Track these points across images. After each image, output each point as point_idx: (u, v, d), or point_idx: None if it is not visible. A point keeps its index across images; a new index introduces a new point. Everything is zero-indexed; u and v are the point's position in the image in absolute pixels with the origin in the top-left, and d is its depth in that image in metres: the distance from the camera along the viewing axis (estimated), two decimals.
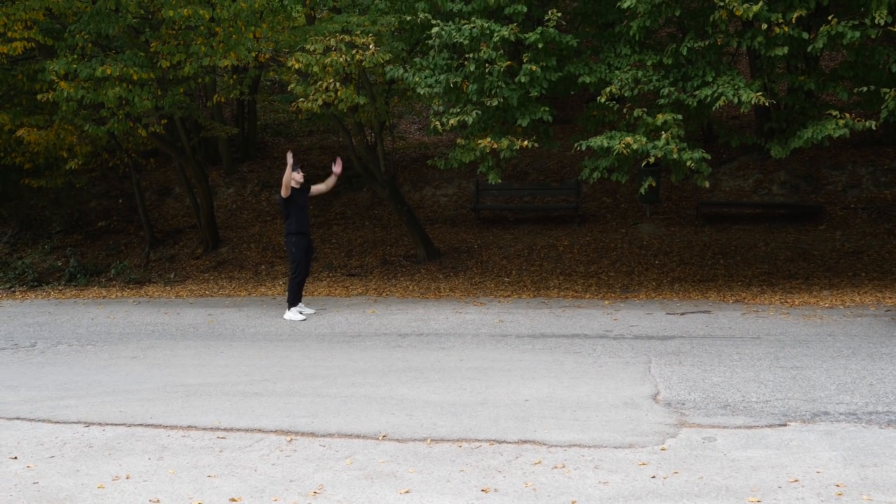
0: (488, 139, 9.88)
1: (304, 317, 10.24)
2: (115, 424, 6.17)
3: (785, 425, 5.67)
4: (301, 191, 10.28)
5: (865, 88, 9.54)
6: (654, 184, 10.07)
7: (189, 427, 6.04)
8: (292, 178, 10.20)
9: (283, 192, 10.13)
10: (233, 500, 4.69)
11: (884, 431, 5.48)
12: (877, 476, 4.72)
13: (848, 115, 9.48)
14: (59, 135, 13.80)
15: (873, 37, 9.10)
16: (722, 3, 9.09)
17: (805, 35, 9.24)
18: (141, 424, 6.16)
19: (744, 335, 8.43)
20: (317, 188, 10.66)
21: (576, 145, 9.96)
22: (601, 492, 4.62)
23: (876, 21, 8.81)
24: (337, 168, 10.65)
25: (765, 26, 9.20)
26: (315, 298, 11.88)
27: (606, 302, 10.65)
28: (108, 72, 11.05)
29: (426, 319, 9.88)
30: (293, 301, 10.33)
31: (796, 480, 4.69)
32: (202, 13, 10.87)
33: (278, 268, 14.12)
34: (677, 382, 6.77)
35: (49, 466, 5.33)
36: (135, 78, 11.30)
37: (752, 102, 9.17)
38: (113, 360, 8.40)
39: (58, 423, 6.27)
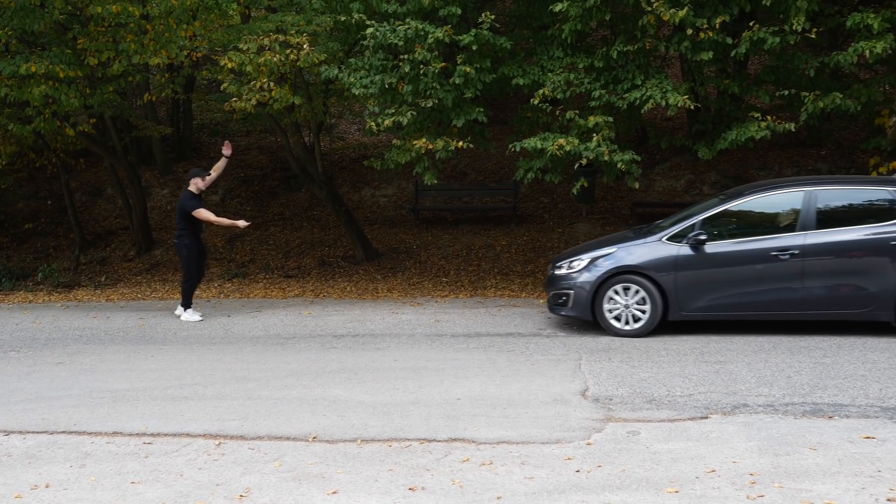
0: (424, 140, 9.92)
1: (202, 317, 10.29)
2: (37, 432, 6.02)
3: (706, 418, 5.85)
4: (199, 196, 10.25)
5: (787, 92, 9.87)
6: (585, 184, 10.25)
7: (114, 433, 5.94)
8: (195, 183, 10.20)
9: (200, 216, 10.08)
10: None
11: (798, 421, 5.69)
12: (788, 464, 4.91)
13: (770, 117, 9.80)
14: None
15: (792, 42, 9.41)
16: (650, 8, 9.31)
17: (729, 40, 9.51)
18: (64, 432, 6.02)
19: (671, 332, 8.63)
20: (210, 178, 10.55)
21: (510, 146, 10.08)
22: (526, 487, 4.70)
23: (794, 27, 9.13)
24: (227, 150, 10.62)
25: (690, 31, 9.45)
26: (251, 300, 11.78)
27: (542, 301, 10.79)
28: (33, 69, 10.75)
29: (362, 320, 9.87)
30: (189, 302, 10.37)
31: (713, 471, 4.85)
32: (131, 10, 10.66)
33: (213, 270, 13.92)
34: (606, 378, 6.92)
35: None
36: (61, 76, 11.01)
37: (679, 105, 9.41)
38: (37, 367, 8.18)
39: None
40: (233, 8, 11.51)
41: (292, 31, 10.87)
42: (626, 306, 8.45)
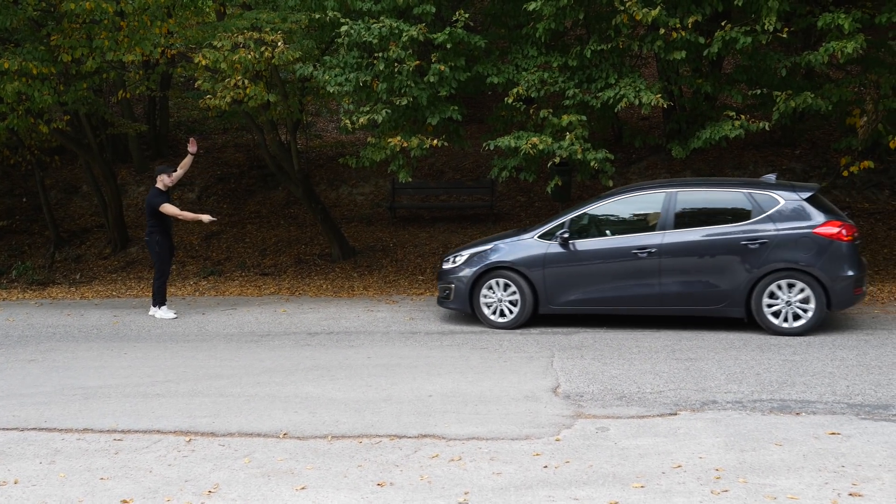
0: (398, 138, 9.94)
1: (176, 314, 10.27)
2: (7, 429, 6.00)
3: (675, 414, 5.92)
4: (166, 192, 10.26)
5: (759, 91, 9.97)
6: (560, 183, 10.31)
7: (85, 430, 5.92)
8: (162, 180, 10.22)
9: (165, 210, 10.08)
10: (124, 501, 4.63)
11: (766, 418, 5.77)
12: (754, 460, 4.98)
13: (744, 116, 9.90)
14: None
15: (764, 42, 9.52)
16: (623, 8, 9.38)
17: (701, 40, 9.60)
18: (34, 428, 6.00)
19: (644, 329, 8.71)
20: (177, 175, 10.56)
21: (484, 145, 10.13)
22: (494, 482, 4.74)
23: (766, 27, 9.23)
24: (192, 148, 10.62)
25: (663, 31, 9.53)
26: (226, 298, 11.74)
27: None
28: (6, 66, 10.66)
29: (337, 318, 9.88)
30: (163, 300, 10.34)
31: (679, 466, 4.91)
32: (105, 6, 10.58)
33: (189, 267, 13.87)
34: (577, 375, 6.97)
35: None
36: (34, 72, 10.91)
37: (653, 104, 9.49)
38: (9, 364, 8.13)
39: None
40: (208, 5, 11.46)
41: (267, 29, 10.84)
42: (500, 300, 8.90)
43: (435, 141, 10.03)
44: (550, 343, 8.22)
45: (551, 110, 9.83)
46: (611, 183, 10.23)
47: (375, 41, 9.69)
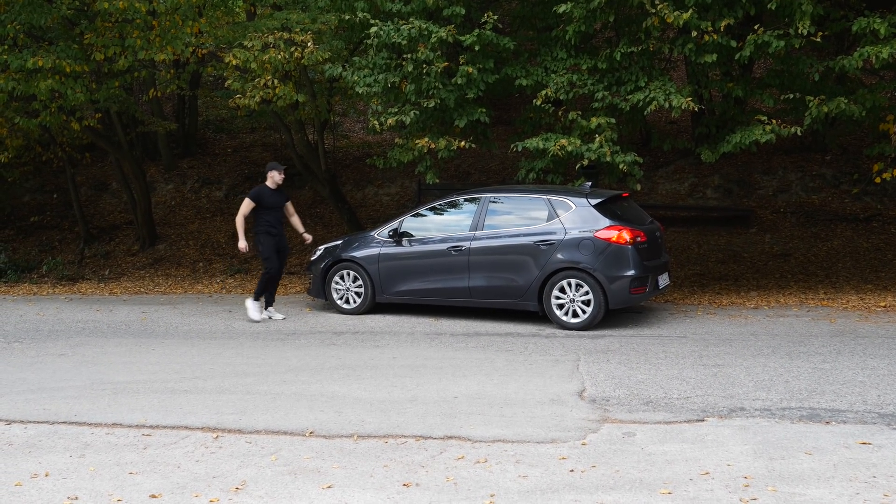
0: (426, 139, 9.96)
1: (261, 318, 9.85)
2: (38, 422, 6.08)
3: (702, 420, 5.86)
4: (274, 193, 9.91)
5: (791, 96, 9.86)
6: None
7: (114, 424, 5.98)
8: (272, 176, 9.90)
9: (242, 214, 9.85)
10: (153, 496, 4.67)
11: (795, 426, 5.70)
12: (783, 468, 4.92)
13: (775, 121, 9.79)
14: None
15: (797, 46, 9.41)
16: (654, 10, 9.31)
17: (733, 43, 9.51)
18: (64, 422, 6.07)
19: (671, 334, 8.66)
20: (294, 220, 10.34)
21: (512, 146, 10.11)
22: (520, 485, 4.73)
23: (800, 31, 9.13)
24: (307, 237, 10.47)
25: (695, 34, 9.45)
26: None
27: None
28: (40, 63, 10.83)
29: (363, 318, 9.90)
30: (258, 296, 9.92)
31: (707, 473, 4.86)
32: (138, 6, 10.72)
33: (216, 265, 13.98)
34: (603, 379, 6.93)
35: None
36: (68, 70, 11.08)
37: (683, 107, 9.42)
38: (40, 358, 8.24)
39: None
40: (238, 5, 11.59)
41: (297, 29, 10.93)
42: (347, 289, 10.03)
43: (462, 143, 10.04)
44: (576, 346, 8.18)
45: (580, 112, 9.79)
46: (639, 186, 10.18)
47: (404, 42, 9.71)
